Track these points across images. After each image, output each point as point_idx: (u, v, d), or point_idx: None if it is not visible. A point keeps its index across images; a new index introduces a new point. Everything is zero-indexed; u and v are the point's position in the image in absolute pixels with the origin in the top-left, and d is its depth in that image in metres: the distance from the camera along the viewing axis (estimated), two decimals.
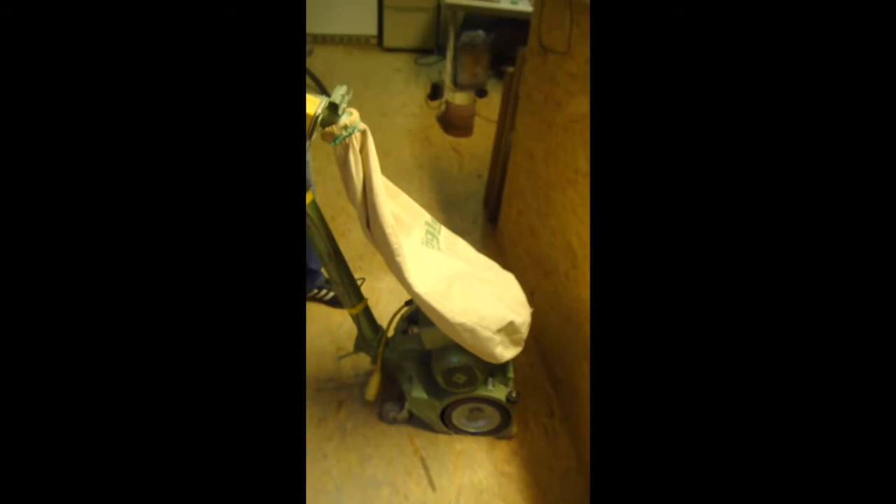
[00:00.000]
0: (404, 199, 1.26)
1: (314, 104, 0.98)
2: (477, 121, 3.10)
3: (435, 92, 3.42)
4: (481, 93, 3.46)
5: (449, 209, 2.43)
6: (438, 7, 3.93)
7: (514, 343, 1.29)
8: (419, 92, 3.55)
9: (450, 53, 3.24)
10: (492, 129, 2.34)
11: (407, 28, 4.06)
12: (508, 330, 1.24)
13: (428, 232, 1.29)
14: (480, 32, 3.42)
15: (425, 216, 1.31)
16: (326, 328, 1.81)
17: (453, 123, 3.03)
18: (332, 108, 1.01)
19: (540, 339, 1.75)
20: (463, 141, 3.02)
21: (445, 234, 1.36)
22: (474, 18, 3.55)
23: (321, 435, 1.48)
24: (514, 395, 1.36)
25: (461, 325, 1.14)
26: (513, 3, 2.96)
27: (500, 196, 2.15)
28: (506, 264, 1.42)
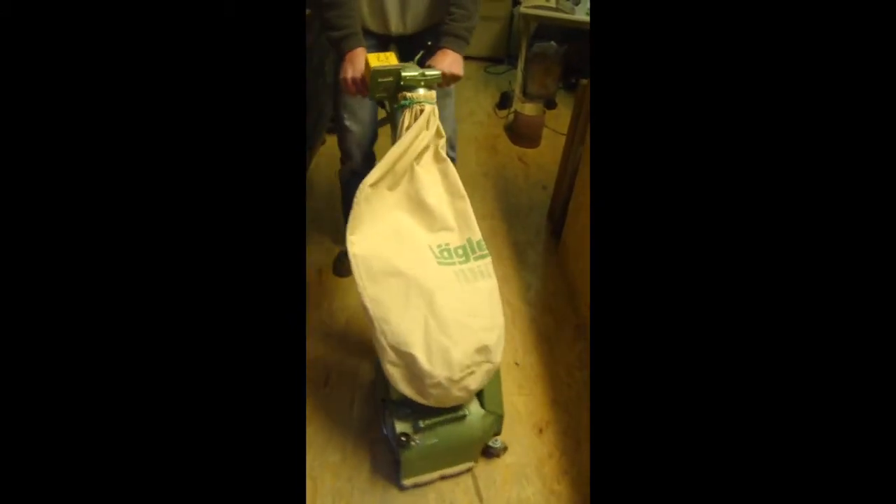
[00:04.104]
0: (464, 206, 1.24)
1: (380, 61, 1.16)
2: (544, 132, 3.07)
3: (504, 101, 3.41)
4: (550, 104, 3.43)
5: (512, 219, 2.41)
6: (511, 16, 3.92)
7: (417, 390, 1.11)
8: (488, 100, 3.55)
9: (520, 63, 3.23)
10: (559, 141, 2.32)
11: (478, 36, 4.06)
12: (408, 361, 1.09)
13: (462, 247, 1.22)
14: (552, 44, 3.40)
15: (475, 234, 1.23)
16: None
17: (521, 133, 3.02)
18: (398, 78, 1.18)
19: None
20: (529, 151, 3.00)
21: (481, 266, 1.21)
22: (546, 29, 3.52)
23: (371, 435, 1.50)
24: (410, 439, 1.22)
25: (366, 307, 1.09)
26: (588, 14, 2.92)
27: (565, 209, 2.11)
28: (567, 279, 1.39)
